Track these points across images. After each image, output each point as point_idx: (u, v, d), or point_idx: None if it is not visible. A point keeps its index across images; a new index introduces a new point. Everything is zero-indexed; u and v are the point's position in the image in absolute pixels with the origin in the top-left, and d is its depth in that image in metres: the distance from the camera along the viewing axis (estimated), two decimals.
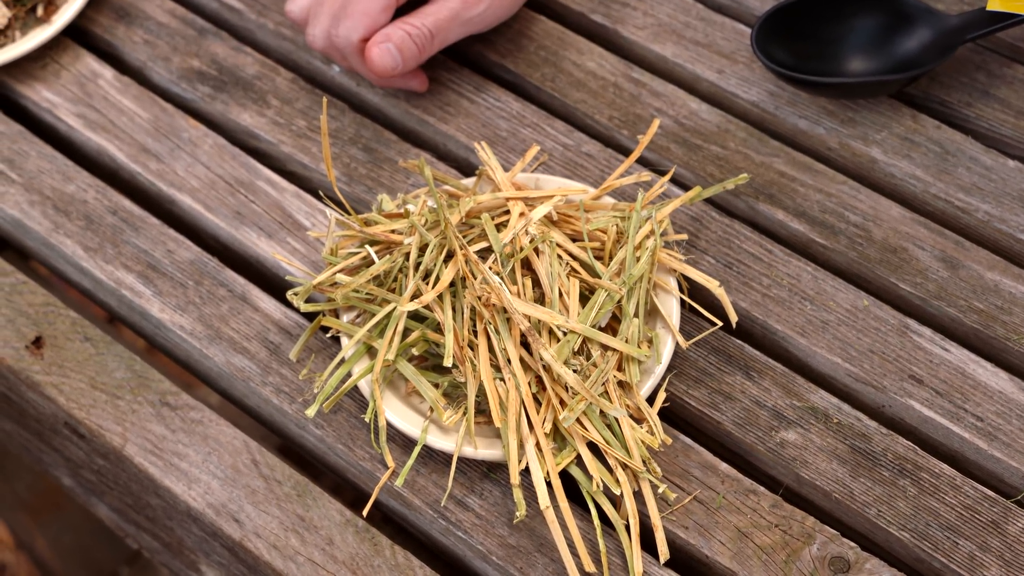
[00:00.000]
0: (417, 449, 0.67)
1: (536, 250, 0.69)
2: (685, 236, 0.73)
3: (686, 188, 0.78)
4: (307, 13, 0.78)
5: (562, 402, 0.66)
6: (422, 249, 0.69)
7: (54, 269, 0.82)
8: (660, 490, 0.66)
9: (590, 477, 0.66)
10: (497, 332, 0.67)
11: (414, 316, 0.69)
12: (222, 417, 0.72)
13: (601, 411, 0.66)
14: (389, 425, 0.69)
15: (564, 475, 0.67)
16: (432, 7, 0.78)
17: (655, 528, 0.65)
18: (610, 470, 0.66)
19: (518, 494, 0.64)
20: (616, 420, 0.66)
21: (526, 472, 0.66)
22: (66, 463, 0.83)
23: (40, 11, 0.87)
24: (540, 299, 0.69)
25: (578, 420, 0.66)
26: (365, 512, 0.67)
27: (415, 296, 0.68)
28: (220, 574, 0.76)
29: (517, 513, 0.64)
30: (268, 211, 0.79)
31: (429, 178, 0.72)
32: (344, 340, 0.71)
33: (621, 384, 0.68)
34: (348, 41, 0.76)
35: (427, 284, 0.68)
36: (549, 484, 0.65)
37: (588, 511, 0.67)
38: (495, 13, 0.79)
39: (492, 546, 0.67)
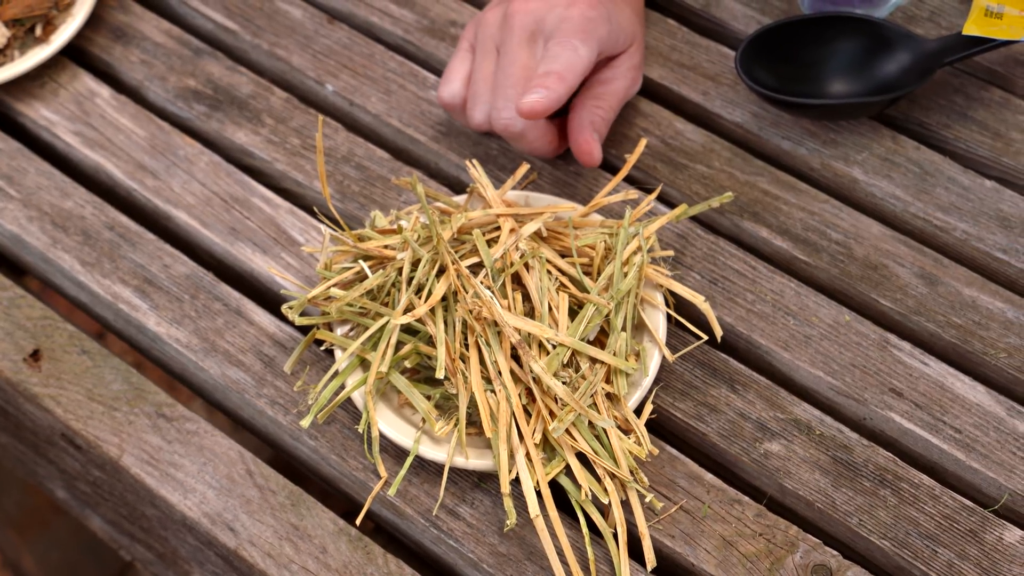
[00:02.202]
0: (409, 459, 0.68)
1: (526, 265, 0.71)
2: (671, 252, 0.75)
3: (672, 206, 0.80)
4: (459, 99, 0.79)
5: (552, 413, 0.67)
6: (415, 264, 0.71)
7: (52, 284, 0.83)
8: (647, 499, 0.68)
9: (579, 486, 0.67)
10: (488, 345, 0.68)
11: (407, 329, 0.71)
12: (217, 428, 0.74)
13: (590, 422, 0.67)
14: (382, 436, 0.70)
15: (553, 485, 0.68)
16: (602, 89, 0.79)
17: (642, 536, 0.67)
18: (598, 480, 0.67)
19: (508, 503, 0.66)
20: (604, 431, 0.67)
21: (516, 482, 0.68)
22: (61, 475, 0.84)
23: (38, 31, 0.89)
24: (530, 313, 0.71)
25: (567, 431, 0.67)
26: (358, 521, 0.68)
27: (408, 310, 0.70)
28: None
29: (507, 522, 0.65)
30: (263, 227, 0.81)
31: (421, 195, 0.73)
32: (338, 353, 0.72)
33: (609, 396, 0.69)
34: (511, 121, 0.77)
35: (419, 298, 0.70)
36: (539, 493, 0.66)
37: (577, 520, 0.68)
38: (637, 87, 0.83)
39: (483, 554, 0.68)
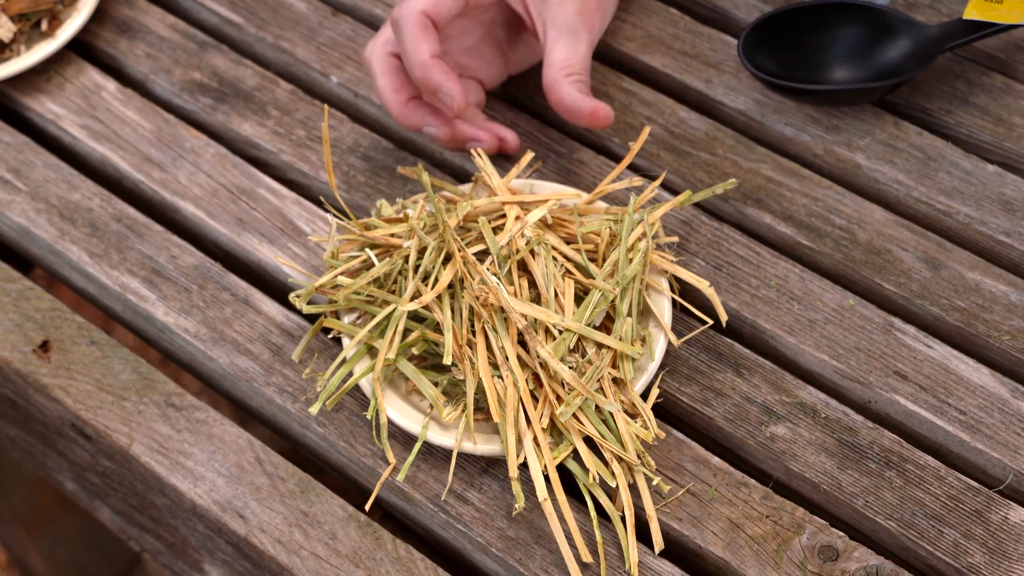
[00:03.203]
0: (418, 445, 0.69)
1: (532, 252, 0.71)
2: (676, 239, 0.76)
3: (676, 193, 0.80)
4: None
5: (559, 398, 0.68)
6: (421, 252, 0.71)
7: (60, 276, 0.84)
8: (654, 483, 0.68)
9: (586, 470, 0.67)
10: (495, 331, 0.69)
11: (414, 316, 0.71)
12: (226, 417, 0.74)
13: (596, 406, 0.68)
14: (390, 422, 0.71)
15: (561, 469, 0.69)
16: (572, 48, 0.76)
17: (650, 519, 0.67)
18: (606, 464, 0.68)
19: (516, 487, 0.66)
20: (611, 415, 0.68)
21: (524, 466, 0.68)
22: (70, 467, 0.84)
23: (44, 26, 0.89)
24: (536, 299, 0.71)
25: (574, 415, 0.67)
26: (367, 507, 0.69)
27: (415, 297, 0.70)
28: (224, 572, 0.77)
29: (516, 506, 0.66)
30: (269, 218, 0.81)
31: (427, 183, 0.74)
32: (345, 341, 0.73)
33: (615, 381, 0.70)
34: (410, 11, 0.74)
35: (426, 285, 0.70)
36: (547, 477, 0.67)
37: (585, 504, 0.68)
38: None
39: (491, 538, 0.69)
